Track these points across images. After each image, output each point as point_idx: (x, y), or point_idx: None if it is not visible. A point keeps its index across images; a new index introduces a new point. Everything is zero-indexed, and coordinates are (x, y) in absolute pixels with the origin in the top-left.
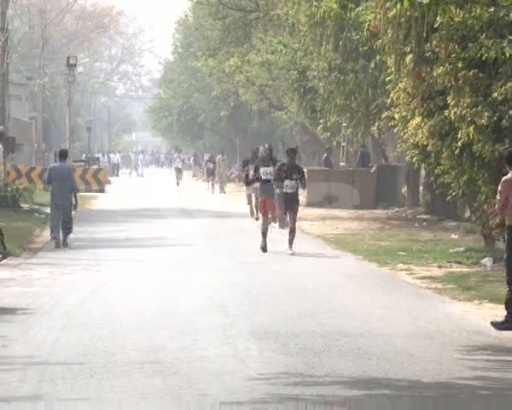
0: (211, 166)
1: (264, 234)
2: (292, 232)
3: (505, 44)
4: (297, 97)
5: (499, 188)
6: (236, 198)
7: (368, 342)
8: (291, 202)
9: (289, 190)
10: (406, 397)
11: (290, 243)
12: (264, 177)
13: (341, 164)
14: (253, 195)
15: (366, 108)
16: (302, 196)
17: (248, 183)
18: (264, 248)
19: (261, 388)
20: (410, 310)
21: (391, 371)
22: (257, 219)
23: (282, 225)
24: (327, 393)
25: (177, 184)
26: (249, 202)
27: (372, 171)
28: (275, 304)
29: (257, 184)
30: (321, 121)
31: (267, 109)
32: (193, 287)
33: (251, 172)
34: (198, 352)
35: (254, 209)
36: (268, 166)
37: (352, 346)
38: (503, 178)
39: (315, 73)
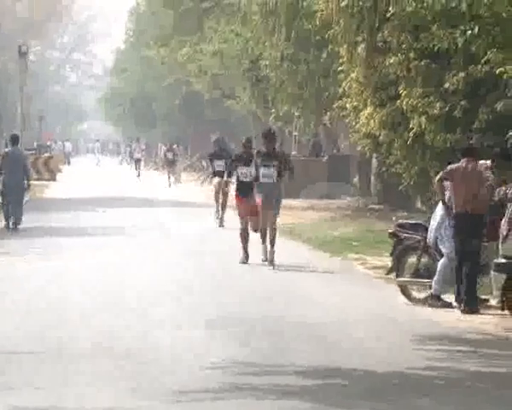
0: (170, 156)
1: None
2: (270, 236)
3: (457, 35)
4: (249, 87)
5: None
6: (194, 188)
7: (323, 331)
8: (268, 195)
9: (266, 180)
10: (362, 387)
11: (270, 257)
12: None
13: (293, 153)
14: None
15: (318, 97)
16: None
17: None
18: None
19: (217, 377)
20: (365, 300)
21: (346, 360)
22: (220, 221)
23: (255, 226)
24: (283, 382)
25: (138, 175)
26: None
27: (324, 160)
28: (231, 292)
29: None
30: (273, 111)
31: (220, 99)
32: (152, 273)
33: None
34: (152, 341)
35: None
36: (248, 165)
37: (309, 335)
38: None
39: (267, 63)
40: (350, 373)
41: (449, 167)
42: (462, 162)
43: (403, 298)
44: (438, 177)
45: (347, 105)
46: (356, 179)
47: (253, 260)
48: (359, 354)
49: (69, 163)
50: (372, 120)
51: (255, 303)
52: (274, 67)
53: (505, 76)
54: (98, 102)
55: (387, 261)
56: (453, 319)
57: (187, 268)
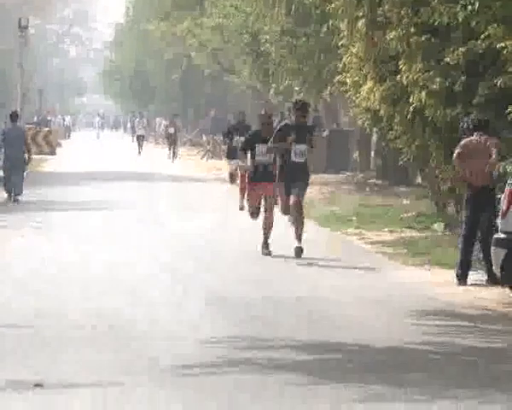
0: (172, 130)
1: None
2: (299, 221)
3: (458, 9)
4: (249, 61)
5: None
6: (192, 162)
7: (319, 307)
8: (299, 176)
9: (297, 159)
10: (357, 361)
11: (299, 237)
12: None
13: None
14: (239, 173)
15: (318, 72)
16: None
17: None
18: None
19: (212, 352)
20: (361, 275)
21: (341, 336)
22: (241, 208)
23: (287, 211)
24: (278, 357)
25: (139, 153)
26: (233, 181)
27: (324, 136)
28: (226, 270)
29: (246, 161)
30: (273, 85)
31: (219, 74)
32: (144, 251)
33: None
34: (150, 316)
35: (240, 195)
36: (266, 142)
37: (304, 311)
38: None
39: (267, 37)
40: (345, 348)
41: (463, 142)
42: (476, 136)
43: (399, 272)
44: (455, 152)
45: (347, 80)
46: (356, 154)
47: (249, 238)
48: (355, 329)
49: (69, 137)
50: (372, 95)
51: (253, 281)
52: (274, 41)
53: (505, 51)
54: (98, 77)
55: (385, 236)
56: (450, 294)
57: (189, 244)
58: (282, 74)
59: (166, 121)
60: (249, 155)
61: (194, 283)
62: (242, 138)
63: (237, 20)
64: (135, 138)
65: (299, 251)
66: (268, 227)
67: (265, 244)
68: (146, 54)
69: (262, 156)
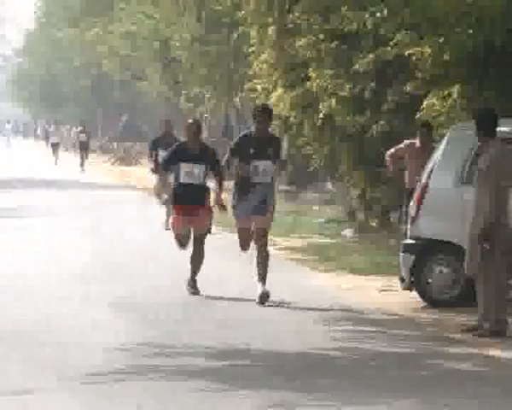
0: (84, 138)
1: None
2: (262, 258)
3: (367, 16)
4: (159, 68)
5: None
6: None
7: (228, 312)
8: (262, 201)
9: (260, 179)
10: (265, 367)
11: (262, 278)
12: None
13: (204, 136)
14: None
15: (229, 79)
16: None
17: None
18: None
19: (120, 359)
20: (272, 280)
21: (253, 341)
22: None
23: (245, 245)
24: (186, 363)
25: (55, 161)
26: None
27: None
28: (135, 275)
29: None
30: (183, 92)
31: (129, 81)
32: (52, 258)
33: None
34: (57, 322)
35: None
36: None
37: (213, 316)
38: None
39: (177, 44)
40: (253, 354)
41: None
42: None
43: (309, 278)
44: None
45: (258, 87)
46: None
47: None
48: (267, 335)
49: None
50: (282, 102)
51: (161, 285)
52: (184, 48)
53: (414, 58)
54: (7, 84)
55: (295, 242)
56: (360, 299)
57: (96, 250)
58: (193, 81)
59: (77, 128)
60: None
61: (101, 289)
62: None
63: (147, 26)
64: (49, 145)
65: (264, 296)
66: (196, 263)
67: (192, 281)
68: (56, 60)
69: (189, 177)
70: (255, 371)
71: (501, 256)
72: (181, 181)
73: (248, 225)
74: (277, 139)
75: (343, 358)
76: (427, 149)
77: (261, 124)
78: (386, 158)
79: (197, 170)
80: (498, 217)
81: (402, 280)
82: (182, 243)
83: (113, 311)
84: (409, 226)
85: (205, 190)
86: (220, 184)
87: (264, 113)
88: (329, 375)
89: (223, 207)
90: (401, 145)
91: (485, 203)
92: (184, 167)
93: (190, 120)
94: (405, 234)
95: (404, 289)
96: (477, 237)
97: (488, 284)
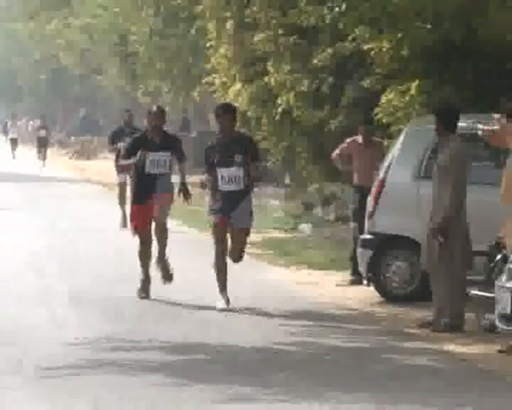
0: (43, 133)
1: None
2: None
3: (325, 11)
4: (117, 62)
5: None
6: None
7: (185, 307)
8: (235, 211)
9: (230, 187)
10: (222, 362)
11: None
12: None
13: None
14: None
15: (187, 73)
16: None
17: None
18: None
19: (77, 352)
20: (229, 275)
21: (207, 336)
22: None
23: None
24: (143, 358)
25: (14, 157)
26: (121, 198)
27: (192, 136)
28: (92, 269)
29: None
30: (141, 86)
31: (87, 75)
32: (7, 250)
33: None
34: (14, 317)
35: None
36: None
37: (171, 311)
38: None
39: (135, 38)
40: (211, 349)
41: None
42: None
43: (266, 273)
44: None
45: (216, 81)
46: None
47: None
48: (221, 329)
49: None
50: (240, 96)
51: (119, 280)
52: (143, 42)
53: (372, 53)
54: None
55: (253, 237)
56: (317, 294)
57: (53, 244)
58: (151, 75)
59: (35, 122)
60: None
61: (59, 282)
62: None
63: (105, 20)
64: (8, 141)
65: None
66: (144, 259)
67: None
68: (13, 54)
69: (154, 166)
70: (212, 366)
71: (460, 251)
72: (146, 171)
73: (225, 226)
74: (248, 139)
75: (299, 352)
76: (370, 145)
77: (224, 124)
78: (332, 159)
79: (163, 158)
80: (458, 212)
81: (352, 274)
82: (147, 248)
83: (71, 305)
84: (366, 222)
85: (170, 180)
86: (183, 174)
87: (227, 112)
88: (286, 369)
89: (187, 195)
90: (344, 144)
91: (445, 198)
92: (149, 156)
93: (154, 107)
94: (354, 231)
95: (359, 283)
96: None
97: (446, 279)
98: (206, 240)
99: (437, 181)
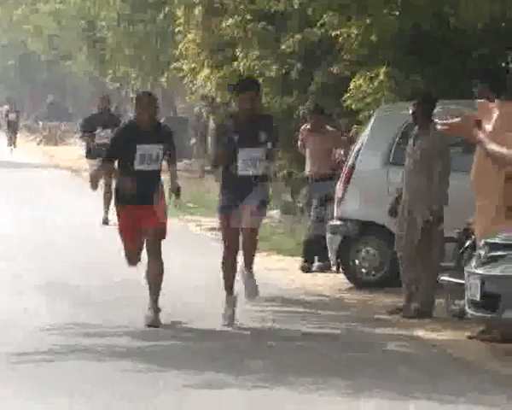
0: (13, 117)
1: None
2: (249, 253)
3: None
4: (86, 47)
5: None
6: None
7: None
8: (251, 196)
9: (249, 172)
10: (193, 348)
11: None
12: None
13: (130, 115)
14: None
15: (155, 59)
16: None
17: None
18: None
19: (49, 339)
20: (200, 262)
21: (176, 322)
22: (105, 221)
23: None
24: (115, 343)
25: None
26: (94, 186)
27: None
28: (63, 256)
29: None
30: (110, 72)
31: (56, 59)
32: None
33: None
34: None
35: (104, 205)
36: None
37: (140, 298)
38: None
39: (104, 23)
40: (181, 335)
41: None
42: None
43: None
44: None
45: (184, 67)
46: (193, 141)
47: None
48: (191, 316)
49: None
50: (209, 82)
51: (90, 267)
52: (111, 27)
53: (341, 39)
54: None
55: None
56: (288, 280)
57: (24, 232)
58: (119, 61)
59: (3, 108)
60: None
61: (30, 269)
62: (109, 132)
63: (74, 5)
64: None
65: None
66: (156, 283)
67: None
68: None
69: (144, 162)
70: (182, 352)
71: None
72: (136, 168)
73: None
74: (270, 119)
75: (272, 339)
76: (319, 132)
77: (248, 103)
78: (300, 150)
79: (154, 152)
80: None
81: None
82: (133, 261)
83: (43, 293)
84: (335, 207)
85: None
86: (174, 170)
87: (251, 88)
88: (256, 356)
89: (178, 194)
90: (299, 133)
91: (428, 187)
92: (139, 150)
93: (145, 92)
94: (310, 218)
95: (329, 269)
96: (421, 221)
97: (423, 266)
98: (176, 226)
99: (413, 170)
